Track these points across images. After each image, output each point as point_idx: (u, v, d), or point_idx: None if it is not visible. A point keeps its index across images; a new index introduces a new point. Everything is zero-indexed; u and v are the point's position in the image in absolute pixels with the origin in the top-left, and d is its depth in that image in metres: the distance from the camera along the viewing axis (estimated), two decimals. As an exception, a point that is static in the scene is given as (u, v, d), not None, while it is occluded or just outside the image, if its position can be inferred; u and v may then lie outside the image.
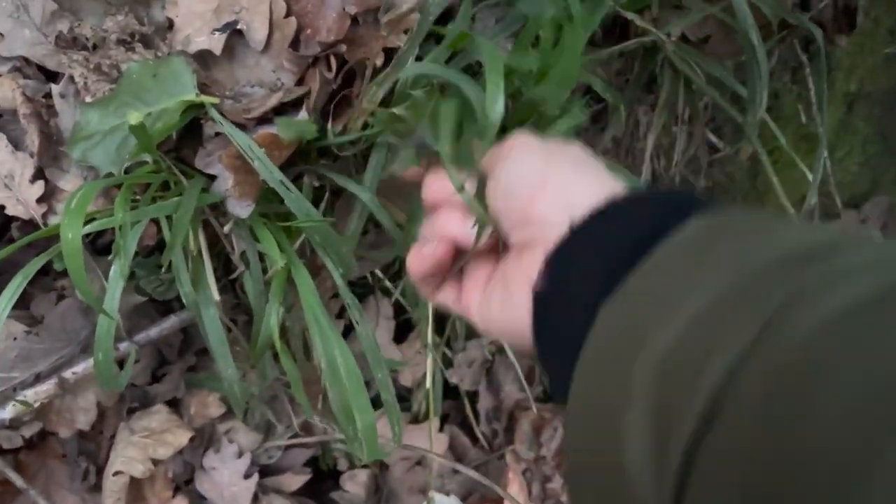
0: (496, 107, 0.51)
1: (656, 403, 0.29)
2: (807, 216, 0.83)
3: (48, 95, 0.69)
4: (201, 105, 0.64)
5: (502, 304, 0.46)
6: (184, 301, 0.63)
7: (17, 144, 0.69)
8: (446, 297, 0.52)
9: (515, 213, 0.44)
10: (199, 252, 0.66)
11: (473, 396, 1.00)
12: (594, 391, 0.34)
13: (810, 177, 0.79)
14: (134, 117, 0.62)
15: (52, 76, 0.71)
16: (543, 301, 0.41)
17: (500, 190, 0.46)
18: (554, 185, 0.43)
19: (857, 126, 1.18)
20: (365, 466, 0.93)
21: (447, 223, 0.50)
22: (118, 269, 0.58)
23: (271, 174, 0.57)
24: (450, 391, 0.99)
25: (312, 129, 0.59)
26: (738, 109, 0.76)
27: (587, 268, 0.38)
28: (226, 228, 0.66)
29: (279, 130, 0.58)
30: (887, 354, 0.24)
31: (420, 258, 0.50)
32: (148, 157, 0.62)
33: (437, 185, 0.52)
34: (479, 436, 0.99)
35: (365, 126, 0.64)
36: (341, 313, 0.84)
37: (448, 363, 0.96)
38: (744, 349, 0.27)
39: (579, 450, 0.34)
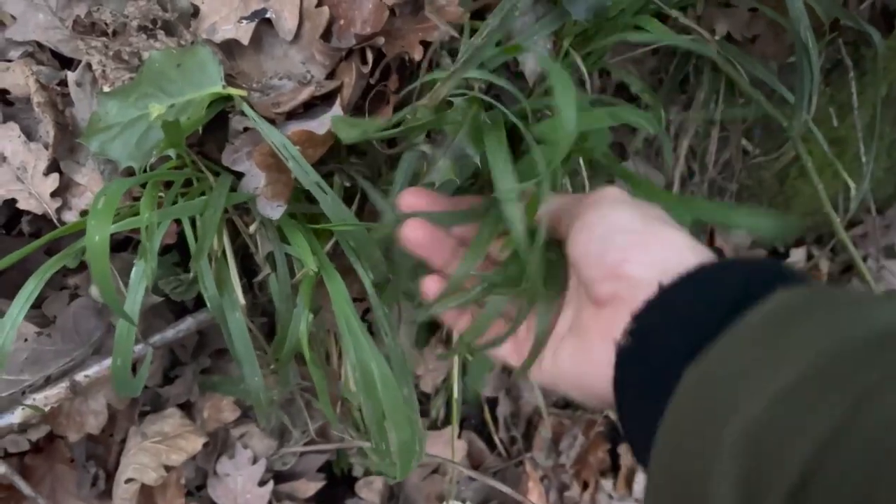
0: (570, 128, 0.47)
1: (744, 473, 0.30)
2: (845, 222, 0.80)
3: (63, 83, 0.66)
4: (227, 98, 0.60)
5: (577, 357, 0.45)
6: (207, 304, 0.60)
7: (29, 135, 0.65)
8: (505, 351, 0.51)
9: (606, 267, 0.43)
10: (223, 253, 0.62)
11: (492, 401, 0.98)
12: (678, 456, 0.34)
13: (851, 184, 0.77)
14: (156, 109, 0.59)
15: (68, 63, 0.68)
16: (627, 357, 0.41)
17: (594, 239, 0.45)
18: (652, 244, 0.43)
19: (883, 131, 1.16)
20: (381, 473, 0.90)
21: None
22: (141, 272, 0.54)
23: (307, 175, 0.54)
24: (466, 396, 0.96)
25: (376, 126, 0.55)
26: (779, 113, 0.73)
27: (674, 329, 0.39)
28: (251, 229, 0.63)
29: (337, 130, 0.54)
30: None
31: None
32: (172, 153, 0.59)
33: None
34: (497, 442, 0.96)
35: (398, 125, 0.61)
36: (363, 315, 0.81)
37: (466, 369, 0.93)
38: (837, 423, 0.27)
39: None
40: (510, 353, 0.51)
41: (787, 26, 0.65)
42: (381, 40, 0.61)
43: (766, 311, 0.35)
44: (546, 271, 0.49)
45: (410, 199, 0.53)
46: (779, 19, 0.66)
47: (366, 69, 0.62)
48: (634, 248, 0.42)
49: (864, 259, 1.18)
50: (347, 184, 0.64)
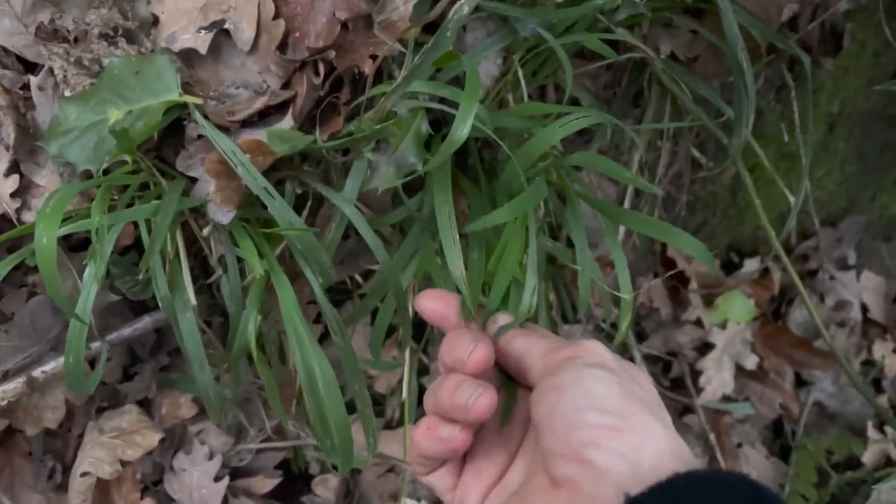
0: (463, 128, 0.50)
1: None
2: (785, 236, 0.83)
3: (26, 87, 0.68)
4: (184, 105, 0.62)
5: None
6: (160, 304, 0.62)
7: (-9, 137, 0.67)
8: (439, 481, 0.48)
9: (571, 446, 0.39)
10: (177, 255, 0.64)
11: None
12: None
13: (791, 198, 0.80)
14: (114, 115, 0.61)
15: (31, 67, 0.69)
16: None
17: (563, 406, 0.40)
18: (627, 433, 0.38)
19: (836, 146, 1.20)
20: (336, 471, 0.92)
21: (474, 400, 0.43)
22: (93, 273, 0.56)
23: (255, 181, 0.56)
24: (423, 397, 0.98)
25: (306, 140, 0.58)
26: (722, 128, 0.76)
27: None
28: (205, 231, 0.65)
29: (270, 143, 0.57)
30: None
31: (434, 440, 0.45)
32: (127, 157, 0.61)
33: (460, 346, 0.47)
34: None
35: (348, 135, 0.64)
36: (318, 318, 0.83)
37: (423, 370, 0.95)
38: None
39: None
40: (446, 488, 0.48)
41: (725, 49, 0.69)
42: (332, 53, 0.63)
43: None
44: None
45: (427, 302, 0.54)
46: (717, 42, 0.69)
47: (318, 80, 0.64)
48: (607, 432, 0.38)
49: (816, 271, 1.21)
50: (299, 190, 0.66)
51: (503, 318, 0.53)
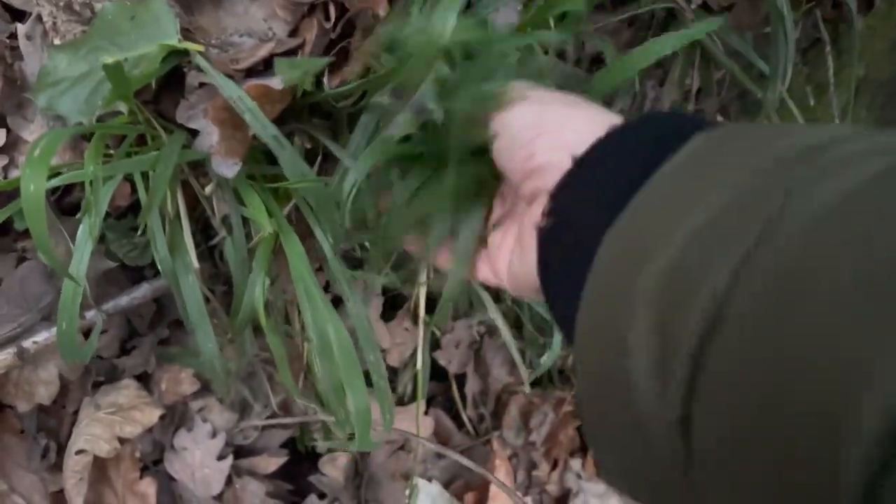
0: (446, 22, 0.45)
1: (660, 317, 0.28)
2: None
3: (13, 36, 0.63)
4: (184, 53, 0.58)
5: (520, 261, 0.44)
6: (159, 268, 0.58)
7: (-25, 89, 0.62)
8: (485, 273, 0.49)
9: (519, 166, 0.42)
10: (178, 215, 0.60)
11: (460, 379, 0.96)
12: (599, 316, 0.32)
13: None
14: (108, 62, 0.57)
15: (18, 15, 0.65)
16: (548, 238, 0.40)
17: (503, 146, 0.44)
18: (552, 130, 0.41)
19: (859, 115, 1.15)
20: (345, 449, 0.88)
21: None
22: (87, 229, 0.52)
23: (264, 129, 0.51)
24: (435, 373, 0.94)
25: (318, 65, 0.53)
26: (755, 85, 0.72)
27: (591, 198, 0.37)
28: (207, 190, 0.61)
29: (279, 71, 0.52)
30: (883, 238, 0.22)
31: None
32: (123, 108, 0.56)
33: None
34: (466, 420, 0.95)
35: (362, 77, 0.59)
36: (326, 288, 0.79)
37: (436, 345, 0.91)
38: (746, 250, 0.26)
39: (589, 380, 0.33)
40: (491, 275, 0.50)
41: (763, -7, 0.64)
42: (343, -5, 0.58)
43: (679, 159, 0.33)
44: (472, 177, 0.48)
45: None
46: (754, -14, 0.65)
47: (328, 25, 0.59)
48: (537, 139, 0.41)
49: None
50: (308, 145, 0.62)
51: None
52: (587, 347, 0.33)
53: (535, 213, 0.41)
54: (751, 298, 0.25)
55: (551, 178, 0.39)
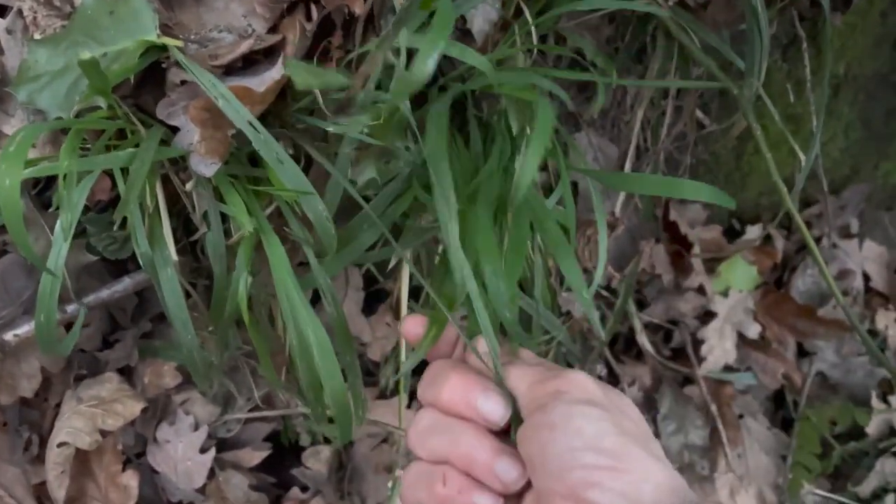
0: (426, 63, 0.45)
1: None
2: (793, 199, 0.80)
3: (-7, 31, 0.63)
4: (163, 49, 0.58)
5: None
6: (139, 261, 0.58)
7: (-44, 83, 0.62)
8: None
9: (567, 485, 0.39)
10: (157, 209, 0.60)
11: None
12: None
13: (802, 158, 0.77)
14: (87, 57, 0.57)
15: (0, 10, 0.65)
16: None
17: (556, 446, 0.40)
18: (624, 472, 0.39)
19: (841, 111, 1.16)
20: (328, 442, 0.89)
21: (472, 446, 0.44)
22: (63, 224, 0.52)
23: (238, 114, 0.52)
24: (417, 366, 0.95)
25: (339, 80, 0.54)
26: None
27: None
28: (188, 186, 0.61)
29: (295, 76, 0.52)
30: None
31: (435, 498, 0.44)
32: (102, 102, 0.57)
33: (462, 389, 0.46)
34: (448, 413, 0.95)
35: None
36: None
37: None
38: None
39: None
40: None
41: (738, -8, 0.65)
42: (322, -7, 0.59)
43: None
44: None
45: (411, 326, 0.53)
46: (730, -16, 0.66)
47: (310, 25, 0.60)
48: (604, 472, 0.38)
49: (819, 239, 1.18)
50: (290, 150, 0.62)
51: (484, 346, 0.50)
52: None
53: None
54: None
55: None
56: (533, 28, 0.67)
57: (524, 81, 0.62)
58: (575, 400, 0.41)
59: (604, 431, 0.40)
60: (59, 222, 0.53)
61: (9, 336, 0.64)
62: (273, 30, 0.63)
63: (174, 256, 0.59)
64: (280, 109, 0.63)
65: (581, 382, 0.43)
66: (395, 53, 0.55)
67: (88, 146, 0.57)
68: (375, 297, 0.88)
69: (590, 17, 0.78)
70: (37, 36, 0.60)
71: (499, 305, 0.50)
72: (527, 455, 0.42)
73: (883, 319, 1.19)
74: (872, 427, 1.09)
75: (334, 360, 0.57)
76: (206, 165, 0.58)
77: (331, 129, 0.57)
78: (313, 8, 0.62)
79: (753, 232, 1.12)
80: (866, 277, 1.22)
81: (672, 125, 0.88)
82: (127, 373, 0.78)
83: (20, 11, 0.62)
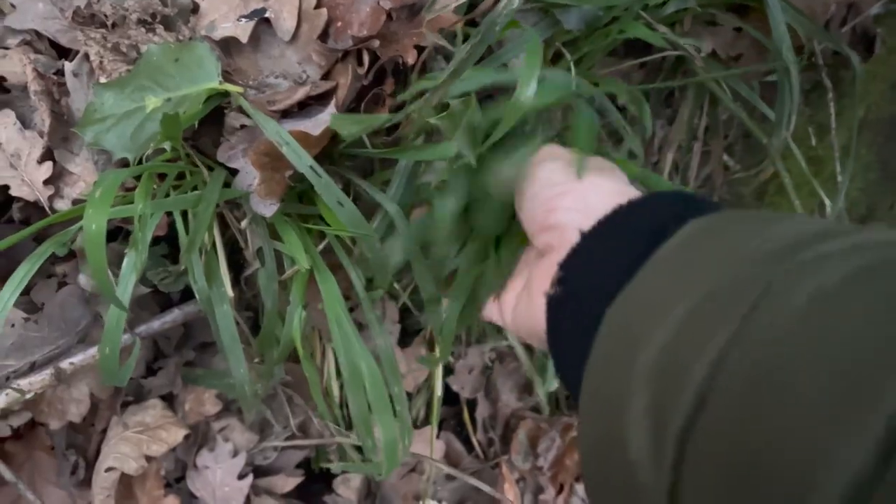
0: (528, 89, 0.49)
1: (652, 400, 0.30)
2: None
3: (60, 73, 0.66)
4: (224, 94, 0.61)
5: (526, 308, 0.48)
6: (196, 297, 0.61)
7: (25, 122, 0.66)
8: (490, 311, 0.54)
9: (537, 219, 0.46)
10: (213, 246, 0.63)
11: (470, 403, 0.99)
12: (600, 391, 0.35)
13: (827, 201, 0.79)
14: (153, 102, 0.60)
15: (65, 53, 0.68)
16: (557, 306, 0.43)
17: (525, 197, 0.48)
18: (573, 191, 0.45)
19: (860, 152, 1.19)
20: (364, 471, 0.91)
21: None
22: (132, 262, 0.55)
23: (300, 159, 0.54)
24: (446, 397, 0.97)
25: (377, 121, 0.57)
26: (760, 130, 0.75)
27: (596, 273, 0.40)
28: (242, 224, 0.64)
29: (336, 126, 0.55)
30: (846, 343, 0.24)
31: None
32: (167, 146, 0.60)
33: None
34: (475, 443, 0.97)
35: (397, 126, 0.62)
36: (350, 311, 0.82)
37: (448, 370, 0.94)
38: (727, 342, 0.28)
39: (591, 446, 0.35)
40: (498, 314, 0.54)
41: (770, 46, 0.68)
42: (376, 43, 0.62)
43: (675, 244, 0.36)
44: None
45: None
46: (762, 40, 0.69)
47: (361, 71, 0.63)
48: (558, 197, 0.44)
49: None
50: (340, 185, 0.65)
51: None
52: (590, 415, 0.36)
53: (543, 268, 0.45)
54: (729, 392, 0.27)
55: (564, 240, 0.43)
56: (572, 65, 0.70)
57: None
58: (539, 163, 0.48)
59: (556, 169, 0.46)
60: (126, 259, 0.55)
61: (65, 364, 0.67)
62: (326, 76, 0.66)
63: (230, 293, 0.61)
64: (329, 148, 0.66)
65: (545, 150, 0.49)
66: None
67: (154, 187, 0.59)
68: (408, 331, 0.90)
69: (622, 65, 0.81)
70: (102, 79, 0.63)
71: None
72: (522, 222, 0.49)
73: None
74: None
75: (384, 391, 0.59)
76: (265, 206, 0.61)
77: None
78: (365, 55, 0.65)
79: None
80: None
81: (700, 167, 0.91)
82: (169, 399, 0.80)
83: (86, 55, 0.65)
